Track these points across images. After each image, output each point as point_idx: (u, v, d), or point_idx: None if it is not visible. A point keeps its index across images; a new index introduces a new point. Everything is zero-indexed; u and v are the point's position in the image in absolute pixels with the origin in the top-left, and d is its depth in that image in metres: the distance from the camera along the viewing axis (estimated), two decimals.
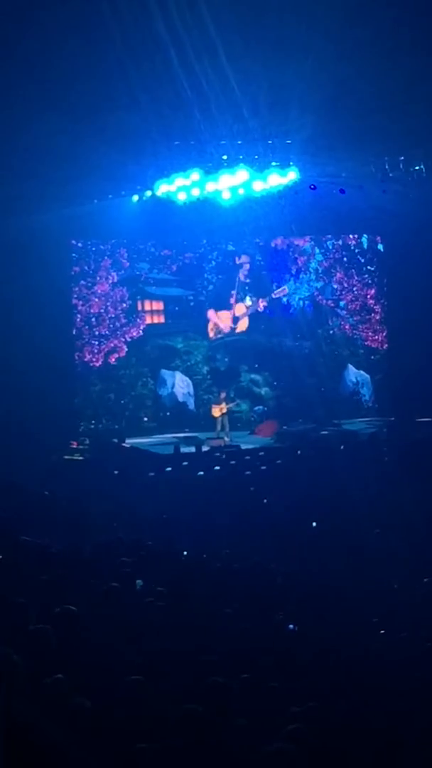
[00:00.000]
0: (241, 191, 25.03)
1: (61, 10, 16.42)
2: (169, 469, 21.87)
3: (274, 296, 30.50)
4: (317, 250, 31.48)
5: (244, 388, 30.42)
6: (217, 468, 21.68)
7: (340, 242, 31.63)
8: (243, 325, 30.62)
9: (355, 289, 31.64)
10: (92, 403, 29.27)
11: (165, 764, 6.06)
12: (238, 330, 30.67)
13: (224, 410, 27.69)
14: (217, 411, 27.75)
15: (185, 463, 23.05)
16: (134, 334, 29.78)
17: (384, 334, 31.58)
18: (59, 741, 5.46)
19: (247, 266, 30.76)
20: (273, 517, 17.77)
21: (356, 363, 31.59)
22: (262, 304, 30.39)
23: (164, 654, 8.64)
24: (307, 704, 7.60)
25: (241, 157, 23.69)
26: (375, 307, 31.70)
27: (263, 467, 22.51)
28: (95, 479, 21.72)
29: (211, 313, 30.47)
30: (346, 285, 31.60)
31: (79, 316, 29.24)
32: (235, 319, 30.60)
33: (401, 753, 6.97)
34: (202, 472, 21.25)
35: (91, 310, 29.35)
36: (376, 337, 31.67)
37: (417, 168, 24.00)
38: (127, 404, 29.67)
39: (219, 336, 30.59)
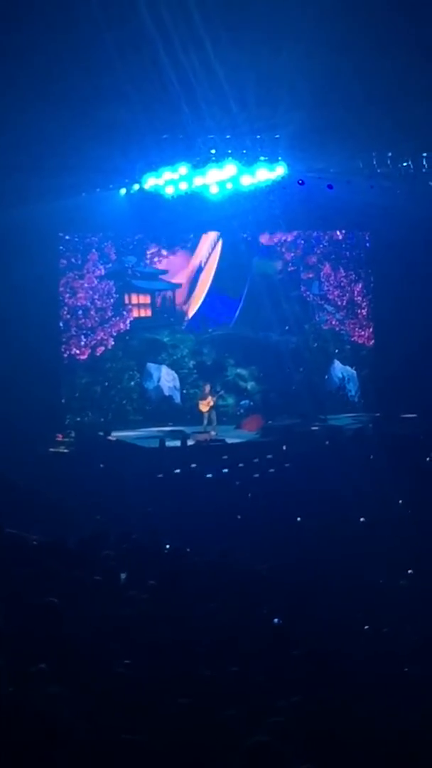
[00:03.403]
0: (229, 185, 24.99)
1: (47, 2, 16.35)
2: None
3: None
4: (305, 245, 31.51)
5: (230, 383, 30.43)
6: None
7: (327, 237, 31.66)
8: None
9: (342, 284, 31.69)
10: (78, 396, 29.25)
11: (151, 756, 6.07)
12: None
13: (211, 403, 27.66)
14: (204, 406, 27.73)
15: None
16: (121, 327, 29.79)
17: (371, 329, 31.65)
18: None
19: None
20: (258, 511, 17.81)
21: (343, 358, 31.66)
22: None
23: (149, 647, 8.65)
24: (291, 698, 7.62)
25: (229, 151, 23.65)
26: (362, 302, 31.77)
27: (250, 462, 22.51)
28: (80, 472, 21.72)
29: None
30: (333, 280, 31.64)
31: (66, 309, 29.22)
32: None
33: (386, 746, 7.00)
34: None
35: (78, 303, 29.34)
36: (363, 332, 31.73)
37: (405, 164, 24.00)
38: (113, 397, 29.67)
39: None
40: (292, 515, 17.15)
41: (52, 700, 6.23)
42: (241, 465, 21.87)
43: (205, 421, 27.55)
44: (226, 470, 21.56)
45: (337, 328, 31.69)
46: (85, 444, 25.52)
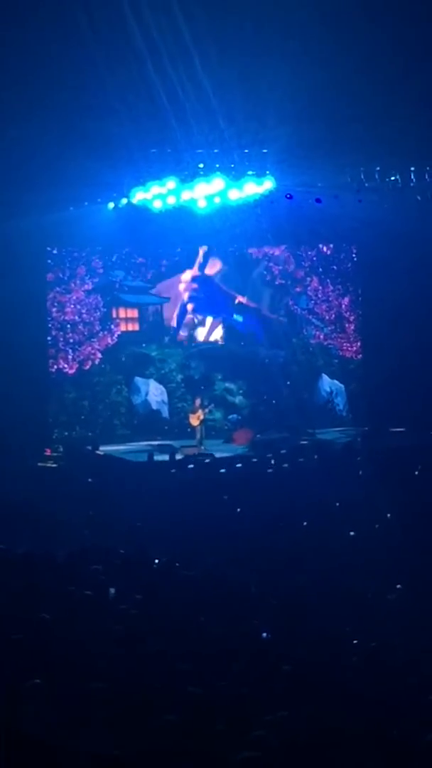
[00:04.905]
0: (216, 200, 25.03)
1: (36, 18, 16.38)
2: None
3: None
4: (292, 259, 31.54)
5: (218, 397, 30.39)
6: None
7: (315, 251, 31.69)
8: (217, 334, 30.92)
9: (329, 298, 31.71)
10: (66, 410, 29.19)
11: None
12: (212, 339, 30.94)
13: (201, 417, 27.58)
14: (195, 419, 27.63)
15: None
16: (109, 341, 29.77)
17: (358, 343, 31.66)
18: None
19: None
20: (247, 525, 17.76)
21: (330, 372, 31.64)
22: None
23: (137, 662, 8.61)
24: (279, 713, 7.60)
25: (217, 165, 23.69)
26: (350, 316, 31.79)
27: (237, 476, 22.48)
28: (69, 486, 21.64)
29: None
30: (320, 294, 31.67)
31: (53, 323, 29.17)
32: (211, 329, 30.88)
33: (375, 759, 6.98)
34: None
35: (66, 318, 29.32)
36: (351, 346, 31.74)
37: (393, 178, 24.07)
38: (101, 412, 29.61)
39: (193, 343, 30.75)
40: (281, 529, 17.12)
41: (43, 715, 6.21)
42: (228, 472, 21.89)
43: (198, 435, 27.42)
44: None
45: (325, 342, 31.70)
46: (73, 458, 25.45)
